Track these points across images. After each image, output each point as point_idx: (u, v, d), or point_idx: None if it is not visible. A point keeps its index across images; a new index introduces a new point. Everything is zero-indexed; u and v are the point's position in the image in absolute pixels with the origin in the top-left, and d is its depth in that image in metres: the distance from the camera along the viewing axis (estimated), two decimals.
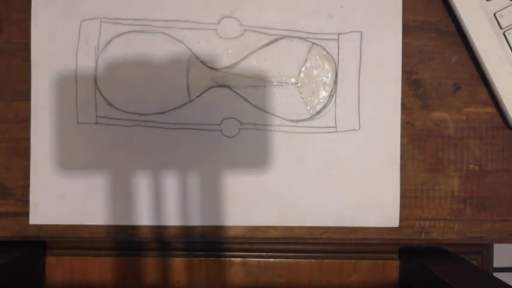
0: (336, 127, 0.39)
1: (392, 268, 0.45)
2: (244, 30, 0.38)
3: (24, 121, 0.39)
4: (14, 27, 0.38)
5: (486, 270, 0.45)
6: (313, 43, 0.38)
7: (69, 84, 0.38)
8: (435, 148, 0.39)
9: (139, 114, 0.38)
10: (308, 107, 0.39)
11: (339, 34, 0.38)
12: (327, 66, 0.39)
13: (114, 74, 0.38)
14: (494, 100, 0.39)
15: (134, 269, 0.44)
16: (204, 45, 0.38)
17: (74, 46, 0.38)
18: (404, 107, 0.39)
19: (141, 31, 0.38)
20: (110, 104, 0.38)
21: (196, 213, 0.39)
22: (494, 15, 0.37)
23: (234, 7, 0.38)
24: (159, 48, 0.38)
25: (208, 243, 0.44)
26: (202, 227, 0.39)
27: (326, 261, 0.45)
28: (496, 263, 0.47)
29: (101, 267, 0.44)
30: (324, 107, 0.39)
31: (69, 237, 0.39)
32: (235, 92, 0.38)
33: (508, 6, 0.37)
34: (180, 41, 0.38)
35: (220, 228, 0.39)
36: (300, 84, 0.39)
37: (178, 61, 0.38)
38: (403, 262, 0.44)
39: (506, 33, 0.37)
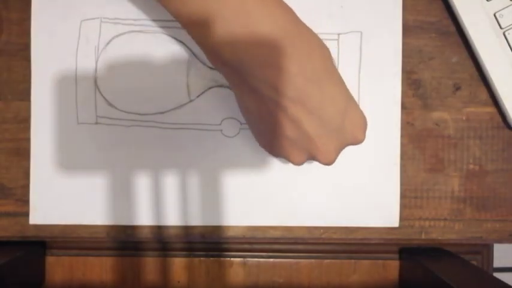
0: None
1: (392, 268, 0.45)
2: None
3: (24, 121, 0.39)
4: (14, 27, 0.38)
5: (486, 270, 0.45)
6: None
7: (69, 84, 0.38)
8: (435, 148, 0.39)
9: (139, 114, 0.38)
10: None
11: (339, 34, 0.38)
12: None
13: (114, 74, 0.38)
14: (494, 100, 0.39)
15: (134, 269, 0.44)
16: None
17: (74, 46, 0.38)
18: (404, 107, 0.39)
19: (141, 31, 0.38)
20: (110, 104, 0.38)
21: (196, 213, 0.39)
22: (494, 15, 0.37)
23: None
24: (159, 48, 0.38)
25: (208, 243, 0.44)
26: (202, 227, 0.39)
27: (326, 261, 0.45)
28: (496, 263, 0.47)
29: (101, 267, 0.44)
30: None
31: (69, 237, 0.39)
32: None
33: (508, 6, 0.37)
34: (180, 41, 0.38)
35: (220, 228, 0.39)
36: None
37: (178, 61, 0.38)
38: (403, 262, 0.44)
39: (506, 33, 0.37)
